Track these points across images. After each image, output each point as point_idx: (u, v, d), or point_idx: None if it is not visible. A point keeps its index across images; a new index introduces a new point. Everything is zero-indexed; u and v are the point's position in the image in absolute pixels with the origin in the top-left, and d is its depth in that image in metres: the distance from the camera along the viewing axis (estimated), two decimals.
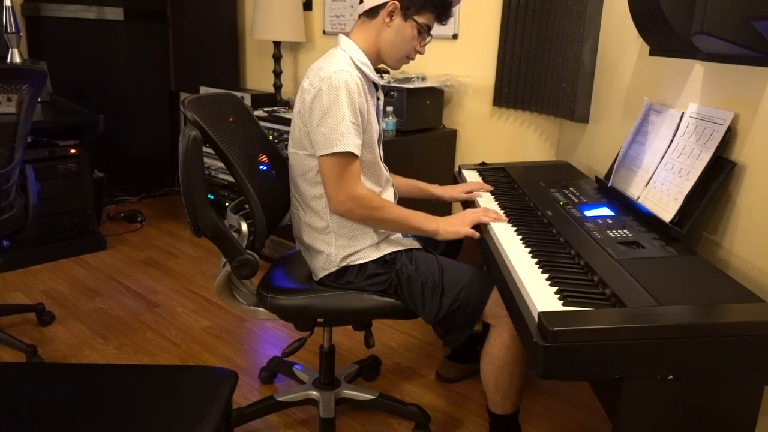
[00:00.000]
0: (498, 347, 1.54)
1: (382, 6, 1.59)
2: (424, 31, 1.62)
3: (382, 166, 1.72)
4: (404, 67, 1.67)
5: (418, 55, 1.67)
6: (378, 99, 1.72)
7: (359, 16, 1.65)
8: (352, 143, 1.50)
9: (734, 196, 1.35)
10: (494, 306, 1.52)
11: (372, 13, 1.61)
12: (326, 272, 1.64)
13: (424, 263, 1.60)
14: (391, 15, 1.59)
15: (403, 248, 1.64)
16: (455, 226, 1.60)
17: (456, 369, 2.17)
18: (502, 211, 1.67)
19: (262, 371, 2.12)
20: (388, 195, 1.74)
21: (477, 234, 1.58)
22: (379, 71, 2.91)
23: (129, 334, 2.40)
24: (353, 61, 1.58)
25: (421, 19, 1.60)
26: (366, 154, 1.60)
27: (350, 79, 1.51)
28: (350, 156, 1.51)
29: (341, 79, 1.49)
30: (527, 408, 1.99)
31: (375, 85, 1.68)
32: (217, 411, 1.15)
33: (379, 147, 1.69)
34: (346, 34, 1.65)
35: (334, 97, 1.49)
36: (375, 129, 1.64)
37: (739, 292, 1.13)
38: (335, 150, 1.49)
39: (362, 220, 1.60)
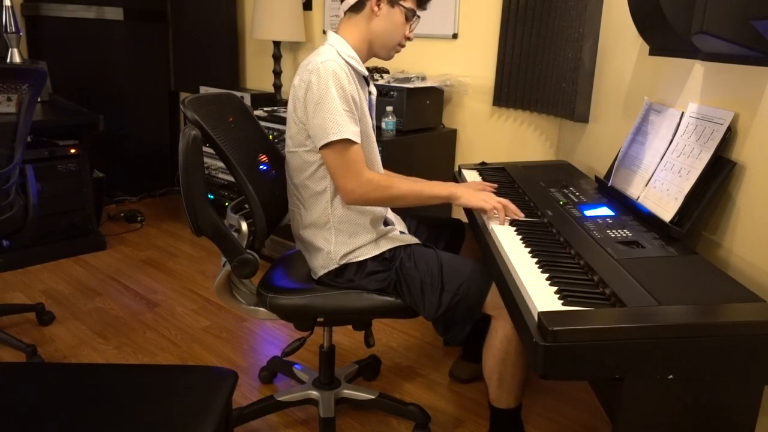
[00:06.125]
0: (500, 338, 1.54)
1: None
2: (410, 16, 1.63)
3: (379, 159, 1.72)
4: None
5: (408, 42, 1.68)
6: (370, 93, 1.72)
7: (344, 13, 1.65)
8: (348, 130, 1.51)
9: (734, 195, 1.35)
10: (495, 298, 1.50)
11: (358, 6, 1.62)
12: (326, 270, 1.64)
13: (423, 259, 1.60)
14: (378, 3, 1.60)
15: (401, 244, 1.64)
16: (479, 197, 1.59)
17: (470, 369, 2.13)
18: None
19: (262, 371, 2.12)
20: None
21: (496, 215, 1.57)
22: (378, 71, 2.91)
23: (129, 334, 2.40)
24: (340, 55, 1.58)
25: (407, 4, 1.61)
26: (362, 144, 1.59)
27: (338, 67, 1.52)
28: (349, 143, 1.52)
29: (329, 68, 1.51)
30: (527, 408, 1.98)
31: (366, 80, 1.68)
32: (217, 411, 1.15)
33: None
34: (335, 31, 1.66)
35: (324, 87, 1.50)
36: (368, 121, 1.65)
37: (739, 292, 1.13)
38: (333, 138, 1.50)
39: (377, 203, 1.61)
